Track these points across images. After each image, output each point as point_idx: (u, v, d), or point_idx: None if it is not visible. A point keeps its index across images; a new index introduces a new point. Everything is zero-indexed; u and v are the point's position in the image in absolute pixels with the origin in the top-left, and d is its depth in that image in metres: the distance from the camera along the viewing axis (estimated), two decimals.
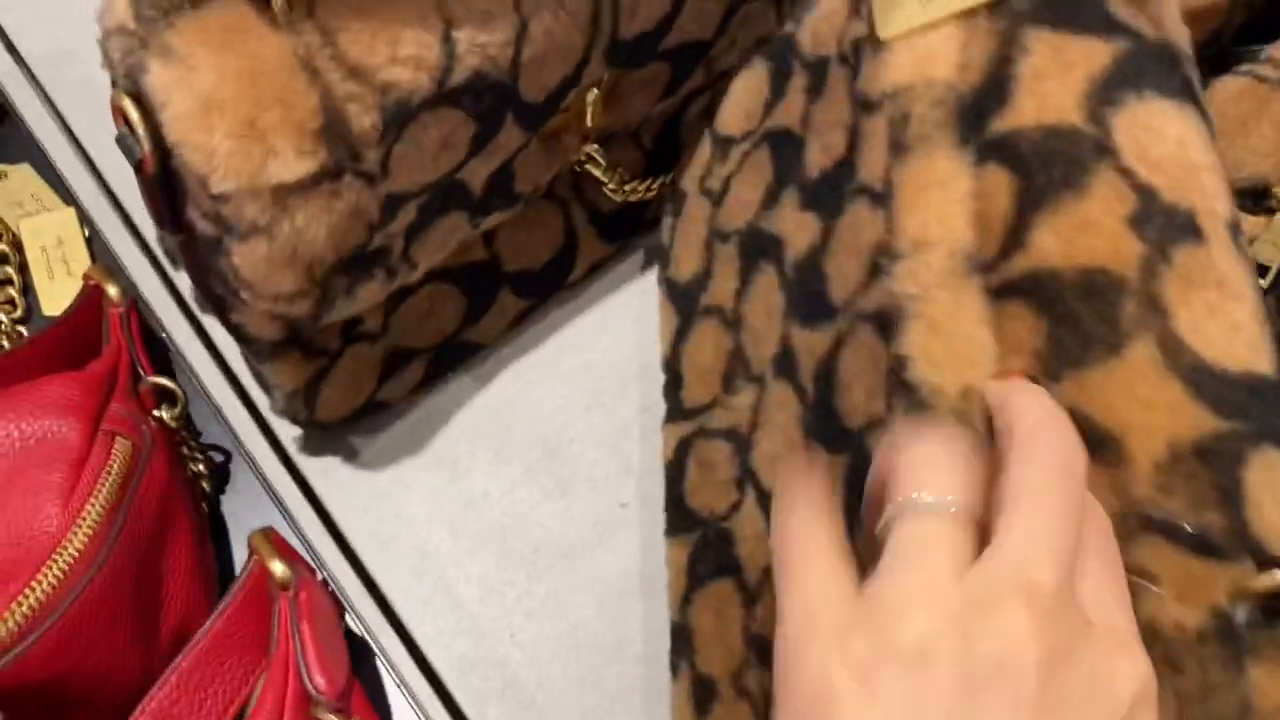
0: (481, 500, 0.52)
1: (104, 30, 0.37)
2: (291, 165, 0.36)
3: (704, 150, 0.50)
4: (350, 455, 0.52)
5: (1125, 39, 0.34)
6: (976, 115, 0.35)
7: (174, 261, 0.53)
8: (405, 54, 0.37)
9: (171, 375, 0.49)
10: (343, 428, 0.52)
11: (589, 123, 0.47)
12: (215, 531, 0.51)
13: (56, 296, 0.52)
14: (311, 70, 0.36)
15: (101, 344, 0.49)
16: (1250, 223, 0.51)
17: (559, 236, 0.54)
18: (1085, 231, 0.33)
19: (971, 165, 0.34)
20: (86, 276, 0.50)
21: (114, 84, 0.38)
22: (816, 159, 0.41)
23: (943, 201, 0.34)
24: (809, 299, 0.40)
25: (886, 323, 0.34)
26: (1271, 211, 0.50)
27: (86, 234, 0.54)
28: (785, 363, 0.42)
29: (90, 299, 0.49)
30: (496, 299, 0.53)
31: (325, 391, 0.49)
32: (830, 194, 0.39)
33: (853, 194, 0.38)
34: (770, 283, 0.43)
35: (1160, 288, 0.32)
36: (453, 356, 0.54)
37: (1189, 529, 0.31)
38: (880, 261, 0.35)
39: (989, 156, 0.34)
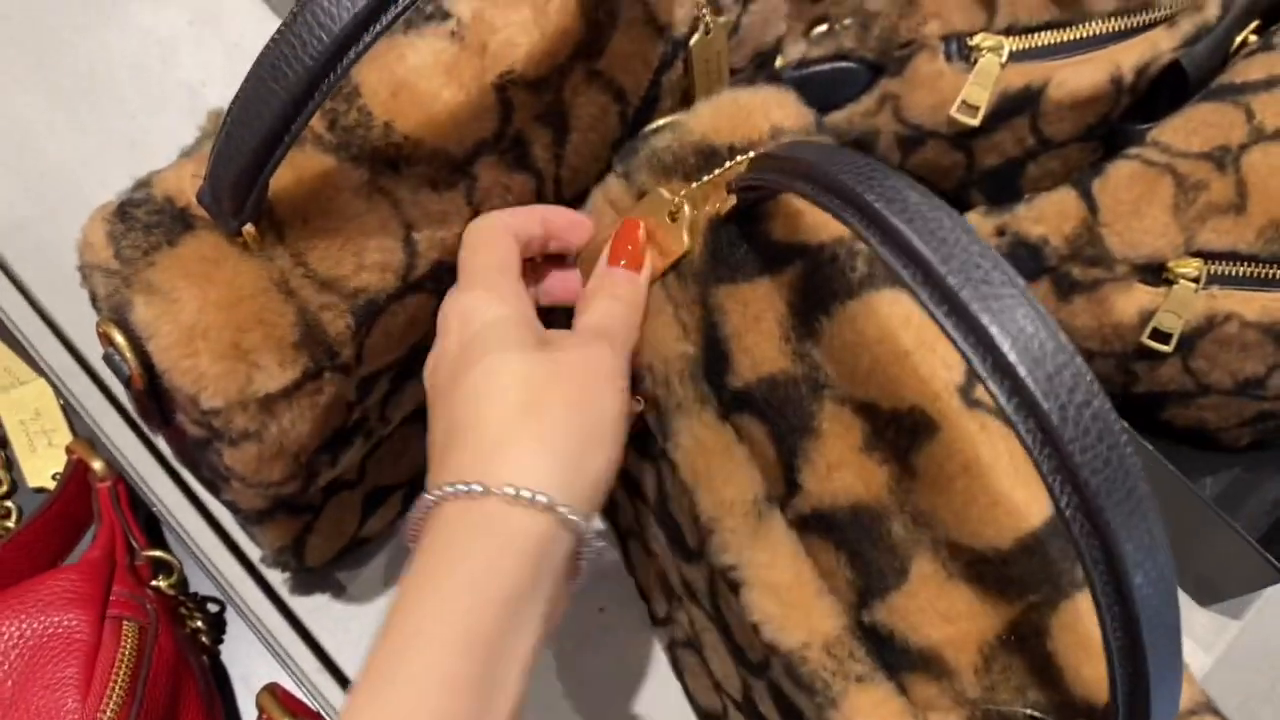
0: None
1: (84, 265, 0.40)
2: (276, 376, 0.39)
3: None
4: (339, 592, 0.55)
5: (799, 263, 0.38)
6: (713, 376, 0.39)
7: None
8: (371, 261, 0.40)
9: (163, 541, 0.52)
10: (329, 566, 0.55)
11: None
12: (218, 679, 0.53)
13: (40, 468, 0.54)
14: (286, 290, 0.39)
15: (93, 518, 0.51)
16: (1150, 295, 0.55)
17: None
18: (835, 471, 0.36)
19: (726, 421, 0.39)
20: (69, 450, 0.52)
21: (97, 309, 0.40)
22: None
23: (724, 465, 0.38)
24: (676, 539, 0.44)
25: (731, 583, 0.38)
26: (1169, 283, 0.55)
27: (62, 403, 0.56)
28: (689, 590, 0.46)
29: (76, 474, 0.51)
30: None
31: (312, 541, 0.51)
32: (650, 442, 0.43)
33: (658, 455, 0.42)
34: (650, 520, 0.47)
35: (916, 501, 0.36)
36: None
37: (1026, 713, 0.34)
38: (697, 534, 0.40)
39: (737, 409, 0.39)
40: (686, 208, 0.39)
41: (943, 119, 0.59)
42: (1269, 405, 0.59)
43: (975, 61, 0.58)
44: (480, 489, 0.33)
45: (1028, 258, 0.57)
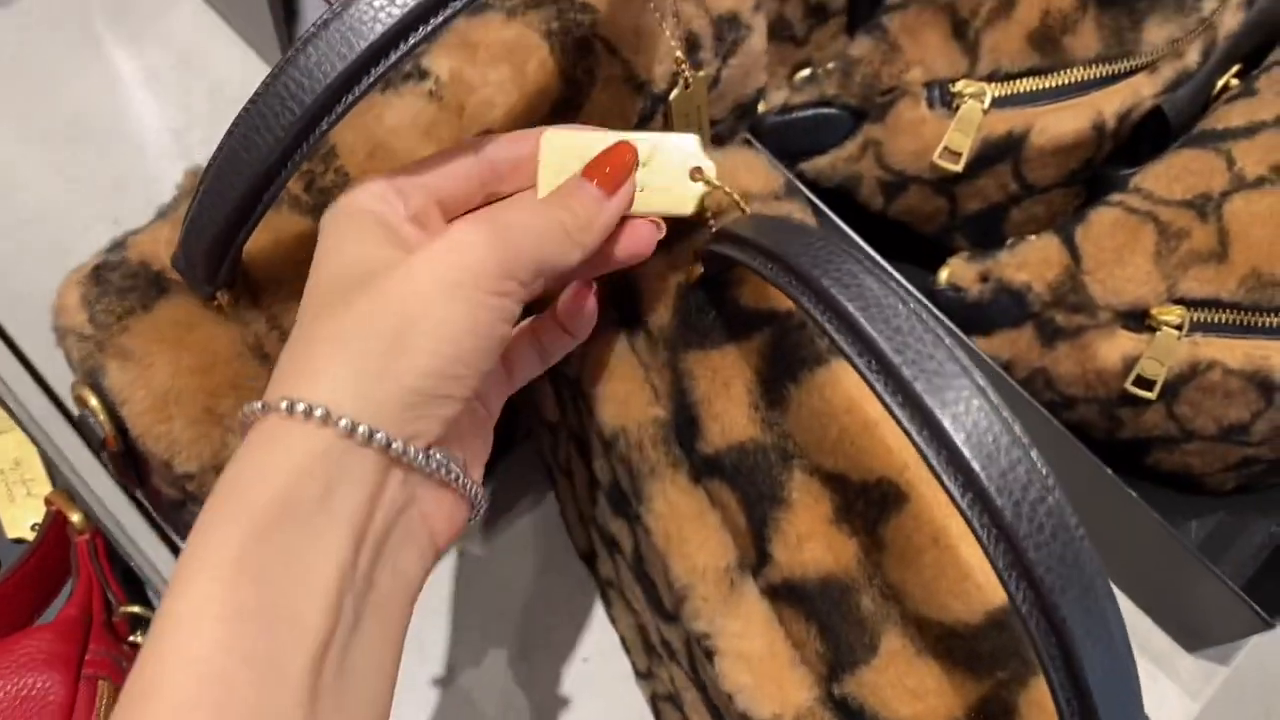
0: (449, 674, 0.55)
1: (59, 327, 0.40)
2: None
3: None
4: None
5: (767, 330, 0.38)
6: (685, 440, 0.39)
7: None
8: None
9: (143, 595, 0.52)
10: None
11: None
12: None
13: (19, 519, 0.54)
14: (261, 354, 0.39)
15: (70, 571, 0.51)
16: (1133, 342, 0.55)
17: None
18: (805, 542, 0.36)
19: (698, 485, 0.39)
20: (48, 501, 0.52)
21: (73, 370, 0.40)
22: (602, 467, 0.45)
23: (696, 531, 0.38)
24: (653, 599, 0.44)
25: (705, 651, 0.37)
26: (1151, 330, 0.55)
27: (41, 452, 0.56)
28: (667, 649, 0.45)
29: (55, 526, 0.51)
30: None
31: None
32: (624, 503, 0.43)
33: (633, 517, 0.42)
34: (628, 575, 0.47)
35: (885, 573, 0.35)
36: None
37: None
38: (671, 598, 0.39)
39: (708, 474, 0.38)
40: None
41: (925, 165, 0.59)
42: (1253, 450, 0.58)
43: (957, 108, 0.58)
44: (260, 407, 0.29)
45: (1011, 304, 0.57)
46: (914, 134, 0.59)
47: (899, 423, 0.26)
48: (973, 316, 0.59)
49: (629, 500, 0.41)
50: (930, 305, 0.58)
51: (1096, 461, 0.56)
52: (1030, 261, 0.57)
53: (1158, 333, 0.55)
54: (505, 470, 0.59)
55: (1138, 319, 0.55)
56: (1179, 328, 0.54)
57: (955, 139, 0.58)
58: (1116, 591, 0.60)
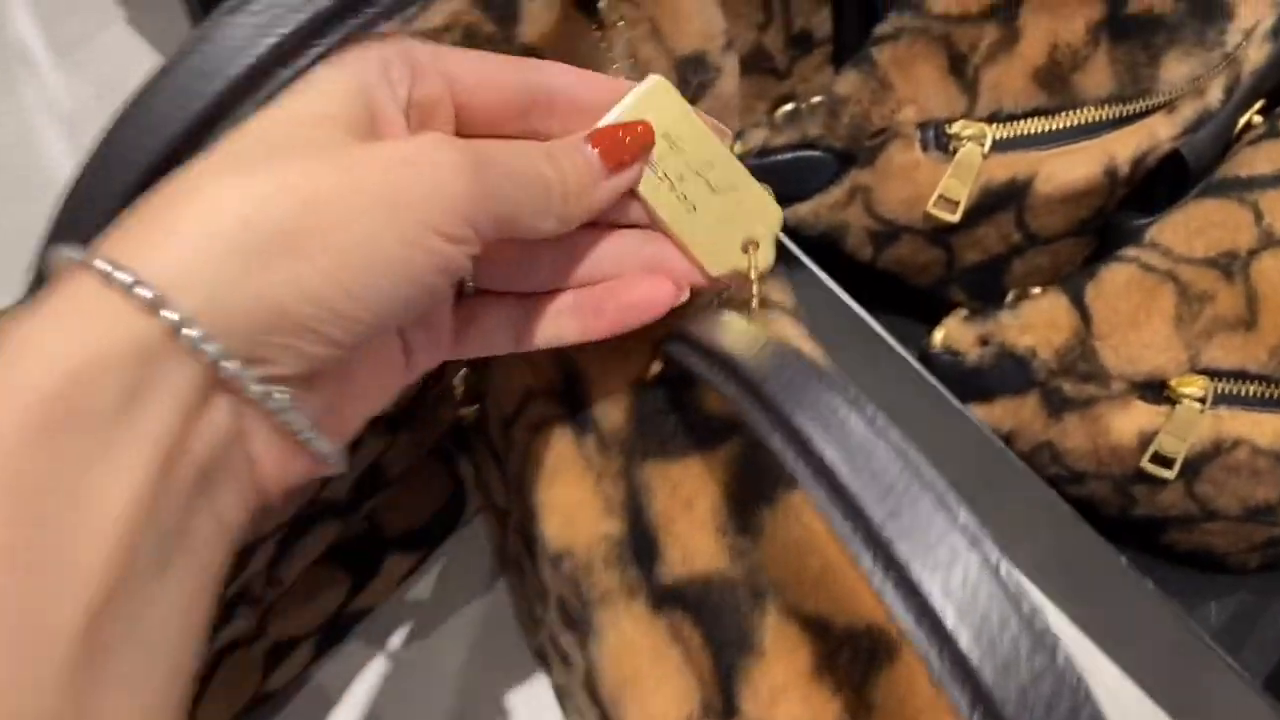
0: None
1: None
2: None
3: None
4: None
5: (735, 439, 0.33)
6: (643, 560, 0.33)
7: None
8: None
9: None
10: None
11: (459, 398, 0.44)
12: None
13: None
14: None
15: None
16: (1150, 414, 0.50)
17: (445, 486, 0.51)
18: (780, 697, 0.30)
19: (659, 613, 0.33)
20: None
21: None
22: (551, 578, 0.39)
23: (654, 670, 0.32)
24: None
25: None
26: (1171, 403, 0.49)
27: None
28: None
29: None
30: (382, 565, 0.50)
31: (204, 708, 0.45)
32: (573, 624, 0.37)
33: (584, 637, 0.36)
34: (582, 694, 0.41)
35: None
36: (342, 629, 0.50)
37: None
38: None
39: (669, 603, 0.33)
40: None
41: (918, 214, 0.54)
42: None
43: (955, 151, 0.52)
44: (75, 257, 0.22)
45: (1014, 371, 0.52)
46: (906, 180, 0.53)
47: (881, 597, 0.20)
48: (971, 382, 0.53)
49: (577, 624, 0.35)
50: (925, 370, 0.52)
51: (1107, 546, 0.50)
52: (1035, 324, 0.51)
53: (1178, 406, 0.49)
54: (452, 550, 0.53)
55: (1155, 390, 0.50)
56: (1202, 401, 0.49)
57: (952, 186, 0.52)
58: (1125, 681, 0.54)
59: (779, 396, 0.24)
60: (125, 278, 0.21)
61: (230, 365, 0.23)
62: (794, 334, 0.35)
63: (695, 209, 0.32)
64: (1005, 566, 0.22)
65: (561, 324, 0.32)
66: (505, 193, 0.26)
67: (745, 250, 0.32)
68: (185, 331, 0.22)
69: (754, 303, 0.32)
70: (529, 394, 0.37)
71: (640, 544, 0.34)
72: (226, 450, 0.24)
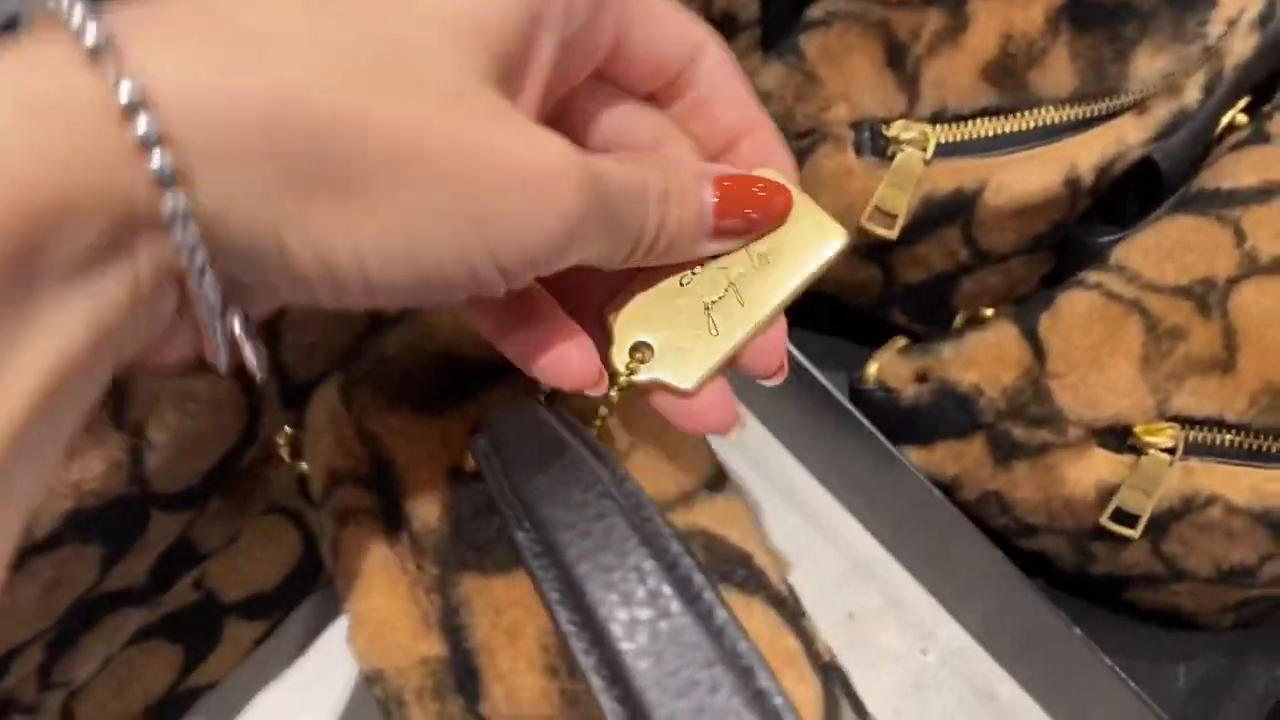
0: None
1: None
2: None
3: None
4: None
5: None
6: (466, 692, 0.27)
7: None
8: None
9: None
10: None
11: (288, 459, 0.37)
12: None
13: None
14: None
15: None
16: (1112, 465, 0.43)
17: (295, 546, 0.44)
18: None
19: None
20: None
21: None
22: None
23: None
24: None
25: None
26: (1136, 453, 0.43)
27: None
28: None
29: None
30: (222, 634, 0.43)
31: None
32: None
33: None
34: None
35: None
36: (175, 709, 0.44)
37: None
38: None
39: None
40: None
41: (852, 228, 0.46)
42: (1259, 592, 0.46)
43: (893, 156, 0.45)
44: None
45: (956, 411, 0.45)
46: (837, 189, 0.46)
47: None
48: (907, 423, 0.46)
49: None
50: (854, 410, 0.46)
51: (1057, 613, 0.44)
52: (981, 359, 0.44)
53: (1143, 457, 0.42)
54: (312, 613, 0.46)
55: (1118, 438, 0.43)
56: (1171, 451, 0.42)
57: (890, 196, 0.45)
58: None
59: (552, 521, 0.18)
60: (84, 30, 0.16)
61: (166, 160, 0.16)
62: (657, 471, 0.28)
63: (768, 260, 0.26)
64: None
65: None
66: (596, 235, 0.21)
67: (634, 353, 0.26)
68: (141, 112, 0.16)
69: (600, 417, 0.25)
70: (334, 477, 0.30)
71: (463, 673, 0.27)
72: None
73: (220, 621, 0.43)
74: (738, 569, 0.27)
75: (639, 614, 0.18)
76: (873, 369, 0.47)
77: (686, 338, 0.26)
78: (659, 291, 0.26)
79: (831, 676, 0.27)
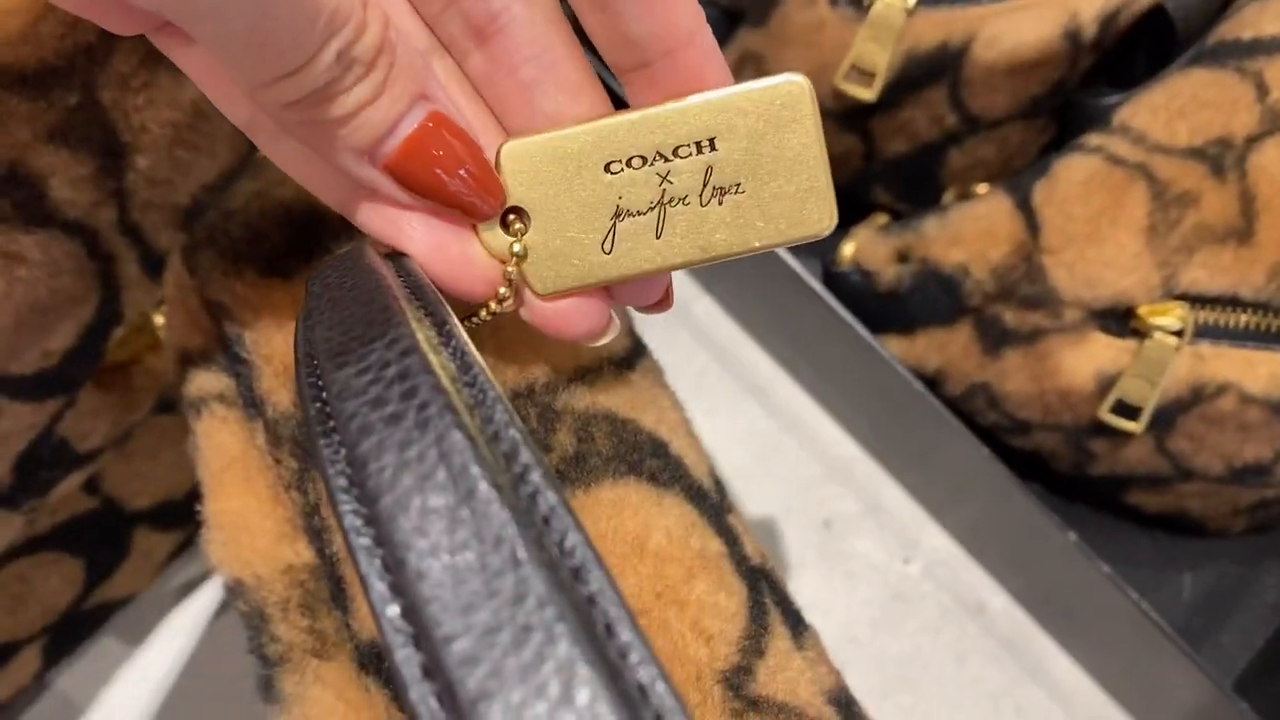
0: None
1: None
2: None
3: None
4: None
5: None
6: (340, 606, 0.23)
7: None
8: None
9: None
10: None
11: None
12: None
13: None
14: None
15: None
16: (1112, 351, 0.38)
17: None
18: None
19: (365, 674, 0.22)
20: None
21: None
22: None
23: None
24: None
25: None
26: (1139, 337, 0.38)
27: None
28: None
29: None
30: (130, 546, 0.39)
31: None
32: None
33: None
34: None
35: None
36: (82, 626, 0.40)
37: None
38: None
39: (374, 665, 0.22)
40: None
41: (826, 90, 0.42)
42: (1274, 492, 0.42)
43: (869, 6, 0.40)
44: None
45: (941, 294, 0.40)
46: (809, 44, 0.41)
47: None
48: (886, 310, 0.41)
49: (261, 688, 0.25)
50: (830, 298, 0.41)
51: (1051, 518, 0.40)
52: (967, 234, 0.39)
53: (1147, 340, 0.38)
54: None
55: (1119, 320, 0.38)
56: (1178, 334, 0.37)
57: (868, 52, 0.40)
58: (1084, 678, 0.44)
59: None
60: None
61: None
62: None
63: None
64: None
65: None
66: None
67: (509, 219, 0.20)
68: None
69: (483, 312, 0.21)
70: (185, 358, 0.25)
71: (335, 584, 0.23)
72: None
73: (126, 531, 0.39)
74: (648, 458, 0.23)
75: (434, 501, 0.13)
76: (849, 249, 0.42)
77: (570, 236, 0.20)
78: (569, 152, 0.20)
79: (760, 582, 0.23)
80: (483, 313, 0.21)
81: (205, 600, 0.43)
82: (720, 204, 0.20)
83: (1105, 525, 0.46)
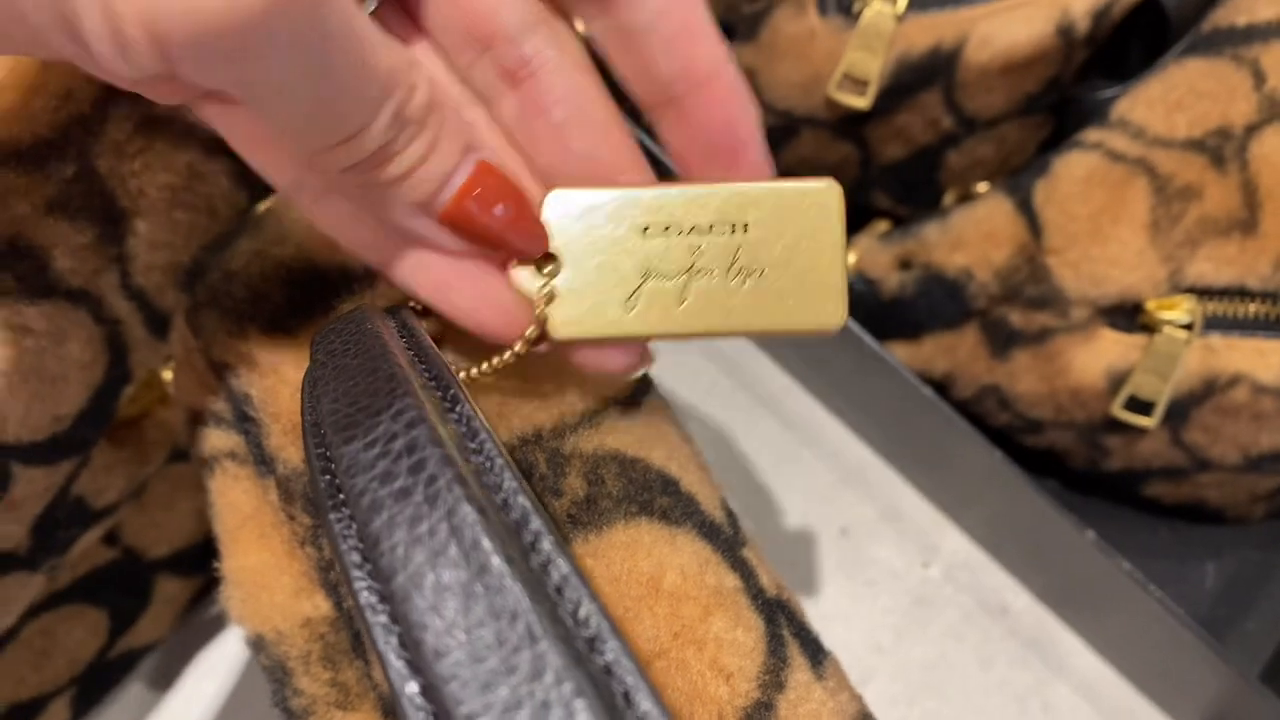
0: None
1: None
2: None
3: None
4: None
5: None
6: (363, 657, 0.23)
7: None
8: None
9: None
10: None
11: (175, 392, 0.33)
12: None
13: None
14: None
15: None
16: (1122, 347, 0.38)
17: None
18: None
19: None
20: None
21: None
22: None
23: None
24: None
25: None
26: (1148, 332, 0.38)
27: None
28: None
29: None
30: (151, 594, 0.40)
31: None
32: None
33: None
34: None
35: None
36: (109, 675, 0.40)
37: None
38: None
39: None
40: None
41: (820, 100, 0.41)
42: None
43: (859, 14, 0.40)
44: None
45: (945, 299, 0.40)
46: (800, 56, 0.41)
47: None
48: (892, 316, 0.41)
49: None
50: None
51: (1067, 517, 0.39)
52: (969, 238, 0.39)
53: (1156, 335, 0.38)
54: None
55: (1128, 316, 0.38)
56: (1188, 327, 0.37)
57: (859, 60, 0.40)
58: (1110, 673, 0.44)
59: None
60: None
61: None
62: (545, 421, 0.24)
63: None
64: None
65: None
66: (284, 69, 0.16)
67: (543, 264, 0.21)
68: None
69: (507, 354, 0.21)
70: (196, 417, 0.25)
71: (353, 633, 0.23)
72: None
73: (147, 580, 0.39)
74: (658, 497, 0.23)
75: (447, 577, 0.13)
76: (850, 258, 0.42)
77: (600, 289, 0.21)
78: (612, 209, 0.21)
79: (778, 614, 0.23)
80: (507, 354, 0.21)
81: (231, 643, 0.43)
82: (743, 284, 0.21)
83: (1124, 518, 0.46)
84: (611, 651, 0.13)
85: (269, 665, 0.24)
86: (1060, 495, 0.45)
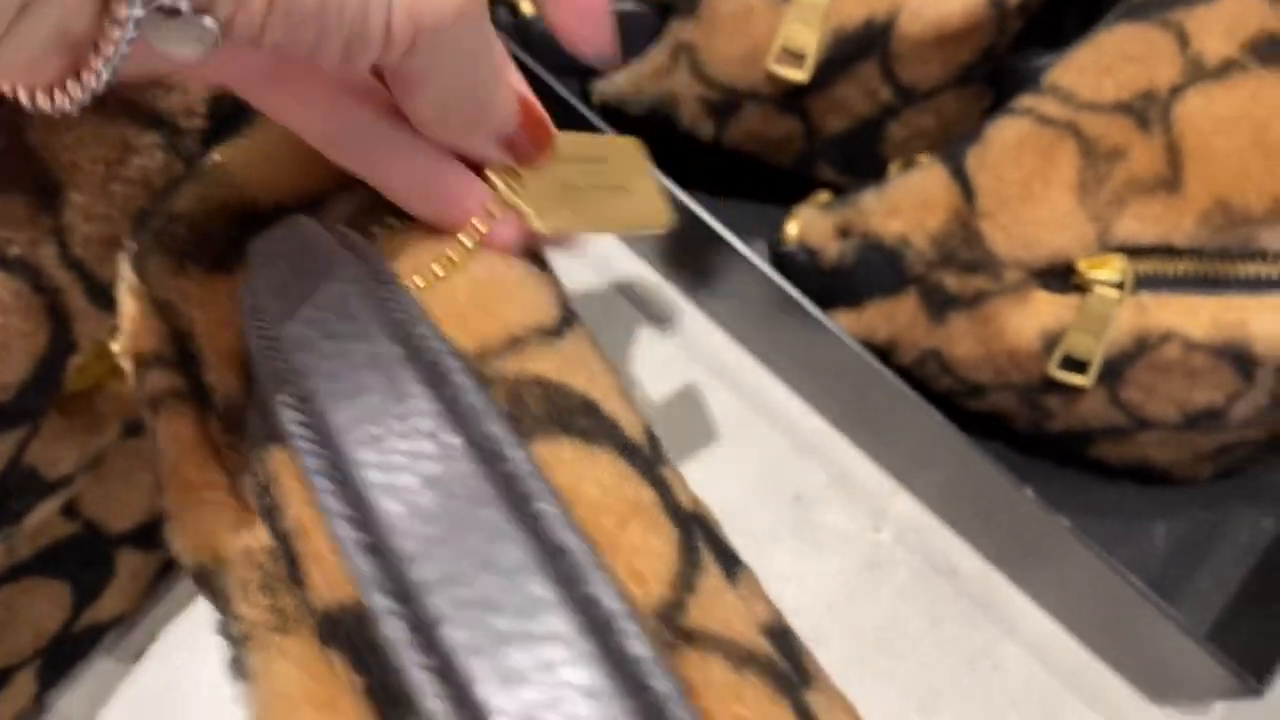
0: None
1: None
2: None
3: None
4: None
5: None
6: (299, 580, 0.24)
7: None
8: None
9: None
10: None
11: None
12: None
13: None
14: None
15: None
16: (1055, 307, 0.39)
17: None
18: None
19: (329, 647, 0.23)
20: None
21: None
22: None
23: None
24: None
25: None
26: (1081, 292, 0.39)
27: None
28: None
29: None
30: (115, 567, 0.41)
31: None
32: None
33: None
34: None
35: None
36: (76, 648, 0.41)
37: None
38: None
39: (330, 636, 0.23)
40: None
41: (759, 74, 0.42)
42: (1234, 435, 0.43)
43: None
44: None
45: (884, 265, 0.41)
46: (738, 30, 0.42)
47: None
48: (833, 285, 0.42)
49: (233, 669, 0.26)
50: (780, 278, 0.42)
51: (1010, 478, 0.40)
52: (904, 205, 0.40)
53: (1089, 295, 0.38)
54: None
55: (1060, 277, 0.39)
56: (1119, 286, 0.38)
57: (796, 34, 0.41)
58: (1060, 633, 0.45)
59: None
60: None
61: None
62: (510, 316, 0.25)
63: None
64: None
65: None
66: (458, 56, 0.21)
67: (500, 174, 0.26)
68: None
69: (454, 250, 0.23)
70: (141, 360, 0.27)
71: (288, 560, 0.24)
72: None
73: (110, 553, 0.40)
74: (579, 418, 0.24)
75: (399, 447, 0.14)
76: (793, 228, 0.43)
77: (545, 195, 0.26)
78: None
79: (693, 526, 0.23)
80: (463, 237, 0.25)
81: (200, 616, 0.44)
82: (611, 196, 0.28)
83: (1073, 480, 0.47)
84: (556, 524, 0.14)
85: (211, 594, 0.25)
86: (1007, 458, 0.46)
